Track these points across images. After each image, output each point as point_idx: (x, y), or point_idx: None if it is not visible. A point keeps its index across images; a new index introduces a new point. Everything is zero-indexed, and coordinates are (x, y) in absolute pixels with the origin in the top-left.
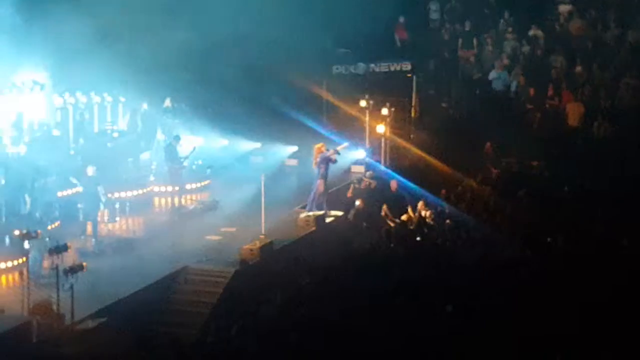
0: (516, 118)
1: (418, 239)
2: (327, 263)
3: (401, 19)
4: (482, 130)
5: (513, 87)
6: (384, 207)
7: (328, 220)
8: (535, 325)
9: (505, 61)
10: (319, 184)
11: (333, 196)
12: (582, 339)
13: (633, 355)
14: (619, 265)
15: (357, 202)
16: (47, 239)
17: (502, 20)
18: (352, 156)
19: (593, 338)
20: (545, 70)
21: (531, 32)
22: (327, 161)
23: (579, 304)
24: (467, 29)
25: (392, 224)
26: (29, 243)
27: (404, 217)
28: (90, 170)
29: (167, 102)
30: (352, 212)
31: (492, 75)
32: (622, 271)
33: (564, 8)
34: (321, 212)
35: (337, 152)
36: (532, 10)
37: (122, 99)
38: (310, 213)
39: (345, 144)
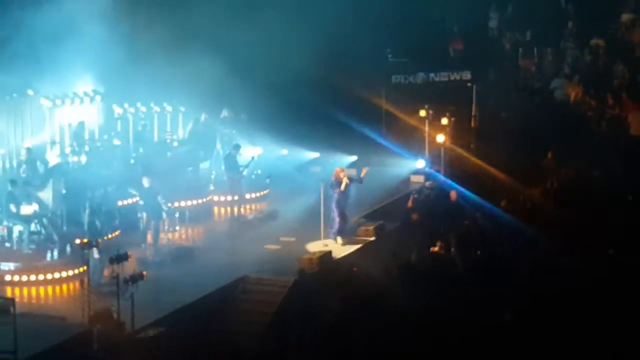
0: (577, 127)
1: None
2: (385, 273)
3: (455, 29)
4: (542, 140)
5: (574, 97)
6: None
7: (388, 229)
8: (592, 337)
9: (567, 70)
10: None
11: (392, 206)
12: None
13: None
14: None
15: (413, 216)
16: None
17: (563, 30)
18: (412, 166)
19: None
20: (607, 80)
21: (593, 41)
22: (337, 186)
23: None
24: (527, 38)
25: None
26: (89, 252)
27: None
28: (146, 182)
29: (225, 113)
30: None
31: (554, 84)
32: None
33: (626, 17)
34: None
35: (350, 180)
36: (593, 20)
37: (182, 109)
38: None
39: (367, 168)
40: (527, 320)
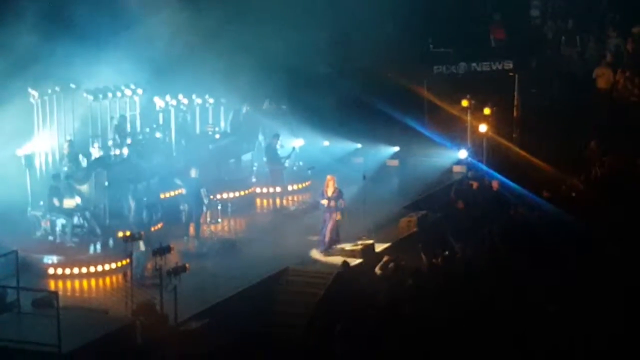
0: (621, 115)
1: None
2: (428, 264)
3: (497, 18)
4: (585, 128)
5: (617, 85)
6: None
7: (431, 219)
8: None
9: (609, 58)
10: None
11: (435, 197)
12: None
13: None
14: None
15: (459, 204)
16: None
17: (605, 18)
18: (454, 156)
19: None
20: None
21: (635, 29)
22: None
23: None
24: (569, 26)
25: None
26: (132, 244)
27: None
28: (194, 172)
29: (266, 104)
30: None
31: (596, 72)
32: None
33: None
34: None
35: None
36: (636, 8)
37: (223, 101)
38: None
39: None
40: (572, 311)
